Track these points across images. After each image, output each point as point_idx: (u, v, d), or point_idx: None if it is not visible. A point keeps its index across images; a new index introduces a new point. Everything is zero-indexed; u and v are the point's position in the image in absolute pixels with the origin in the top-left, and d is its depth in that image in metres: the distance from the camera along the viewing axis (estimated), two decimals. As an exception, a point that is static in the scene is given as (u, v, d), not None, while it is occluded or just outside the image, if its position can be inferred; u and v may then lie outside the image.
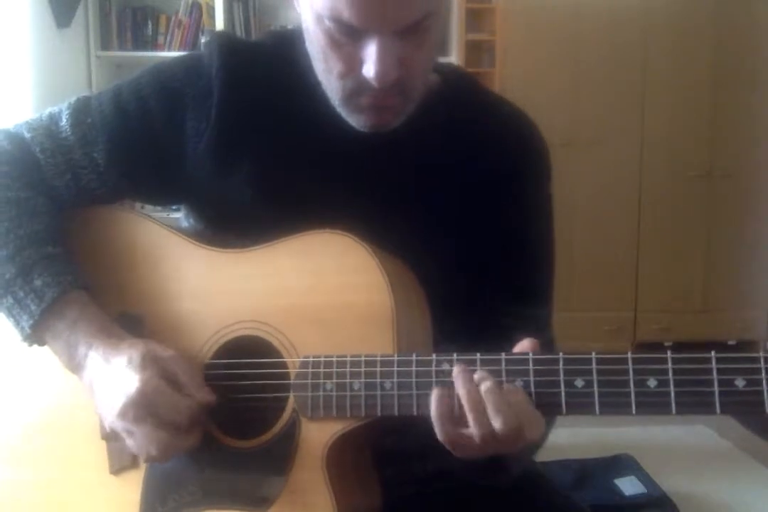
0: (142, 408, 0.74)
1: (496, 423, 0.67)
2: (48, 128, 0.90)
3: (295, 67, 0.86)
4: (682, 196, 3.83)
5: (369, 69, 0.75)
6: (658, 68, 3.76)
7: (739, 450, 2.58)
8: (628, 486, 2.16)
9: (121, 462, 0.83)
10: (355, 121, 0.83)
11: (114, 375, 0.76)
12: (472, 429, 0.68)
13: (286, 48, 0.89)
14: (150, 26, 3.53)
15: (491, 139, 0.90)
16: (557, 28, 3.67)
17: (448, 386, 0.70)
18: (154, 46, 3.53)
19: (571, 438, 2.49)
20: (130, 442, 0.76)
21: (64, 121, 0.90)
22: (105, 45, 3.49)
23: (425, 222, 0.86)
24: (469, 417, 0.68)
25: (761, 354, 0.63)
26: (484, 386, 0.68)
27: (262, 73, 0.89)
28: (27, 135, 0.90)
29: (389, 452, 0.81)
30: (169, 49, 3.52)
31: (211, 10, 3.44)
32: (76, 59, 3.38)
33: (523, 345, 0.71)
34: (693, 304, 3.85)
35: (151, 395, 0.74)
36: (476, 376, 0.69)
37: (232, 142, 0.87)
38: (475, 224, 0.88)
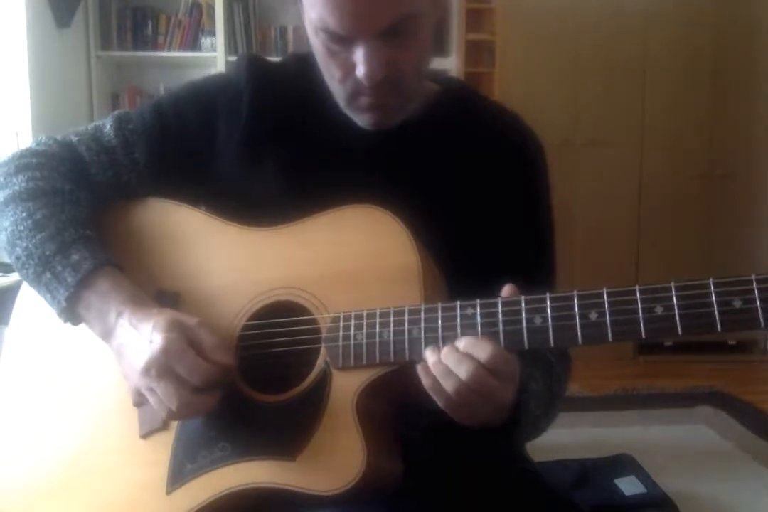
0: (164, 365, 0.78)
1: (461, 373, 0.73)
2: (93, 134, 1.01)
3: (312, 79, 0.96)
4: (682, 196, 3.83)
5: (359, 70, 0.85)
6: (658, 68, 3.76)
7: (739, 450, 2.58)
8: (628, 486, 2.16)
9: (151, 425, 0.86)
10: (359, 120, 0.93)
11: (141, 338, 0.81)
12: (446, 387, 0.74)
13: (304, 64, 0.98)
14: (150, 26, 3.53)
15: (491, 137, 0.99)
16: (557, 28, 3.67)
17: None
18: (154, 46, 3.53)
19: (571, 438, 2.49)
20: (152, 399, 0.80)
21: (108, 128, 1.00)
22: (105, 45, 3.50)
23: (436, 210, 0.91)
24: (440, 379, 0.75)
25: (753, 276, 0.68)
26: (443, 353, 0.75)
27: (284, 83, 1.00)
28: (74, 138, 1.01)
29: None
30: (169, 49, 3.52)
31: (211, 10, 3.44)
32: (76, 59, 3.39)
33: (506, 291, 0.77)
34: (693, 304, 3.85)
35: (173, 354, 0.78)
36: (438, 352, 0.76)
37: (260, 141, 0.97)
38: (480, 214, 0.95)
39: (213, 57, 3.43)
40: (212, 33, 3.47)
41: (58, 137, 1.02)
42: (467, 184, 0.96)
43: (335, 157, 0.96)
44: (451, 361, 0.74)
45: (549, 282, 0.99)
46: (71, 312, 0.87)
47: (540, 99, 3.56)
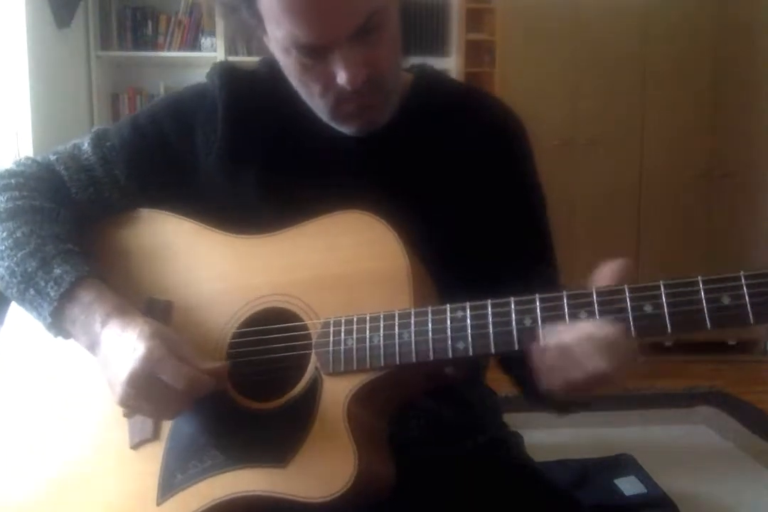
0: (148, 372, 0.78)
1: (602, 364, 0.70)
2: (71, 153, 1.00)
3: (284, 85, 0.94)
4: (682, 196, 3.83)
5: (341, 77, 0.84)
6: (658, 68, 3.76)
7: (739, 450, 2.58)
8: (628, 486, 2.16)
9: (142, 435, 0.86)
10: (347, 129, 0.92)
11: (125, 346, 0.81)
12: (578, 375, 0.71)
13: (276, 70, 0.96)
14: (150, 26, 3.54)
15: (470, 122, 0.98)
16: (557, 28, 3.67)
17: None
18: (154, 46, 3.53)
19: (571, 438, 2.49)
20: (138, 406, 0.80)
21: (86, 146, 1.00)
22: (105, 45, 3.50)
23: (421, 207, 0.91)
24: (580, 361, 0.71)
25: (741, 273, 0.67)
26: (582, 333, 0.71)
27: (258, 90, 0.99)
28: (52, 157, 1.00)
29: (389, 439, 0.82)
30: (169, 49, 3.52)
31: (211, 10, 3.44)
32: (76, 59, 3.39)
33: (605, 272, 0.75)
34: (693, 304, 3.84)
35: (156, 360, 0.78)
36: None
37: (238, 152, 0.96)
38: (470, 203, 0.94)
39: (213, 57, 3.43)
40: (212, 33, 3.48)
41: (38, 157, 1.02)
42: (453, 174, 0.94)
43: (316, 162, 0.95)
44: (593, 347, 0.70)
45: (550, 262, 0.98)
46: (57, 327, 0.86)
47: (540, 99, 3.56)
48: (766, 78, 3.80)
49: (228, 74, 1.00)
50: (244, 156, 0.95)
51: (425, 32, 3.49)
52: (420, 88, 0.99)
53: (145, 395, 0.78)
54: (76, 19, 3.30)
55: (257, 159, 0.95)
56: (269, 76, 0.98)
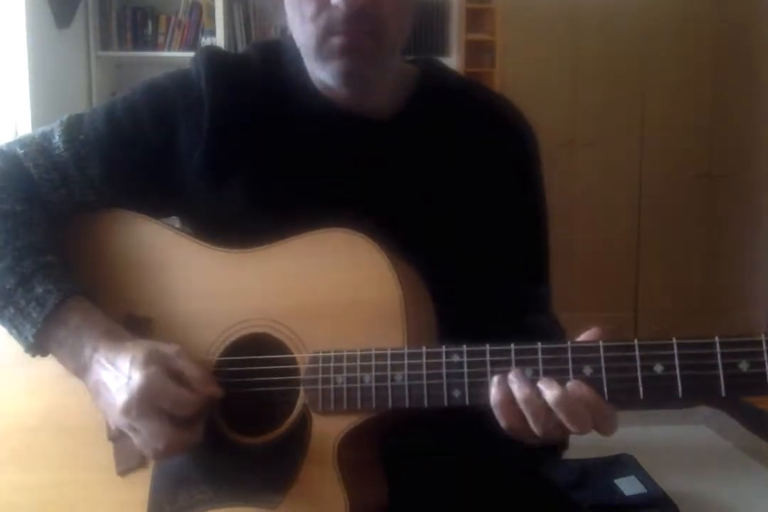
0: (146, 403, 0.74)
1: (571, 427, 0.69)
2: (41, 145, 0.91)
3: (280, 74, 0.89)
4: (682, 196, 3.83)
5: None
6: (658, 68, 3.76)
7: (739, 450, 2.58)
8: (628, 486, 2.16)
9: (128, 462, 0.83)
10: (329, 71, 0.84)
11: (118, 374, 0.77)
12: (535, 429, 0.69)
13: (270, 56, 0.91)
14: (150, 26, 3.53)
15: (476, 121, 0.93)
16: (557, 27, 3.67)
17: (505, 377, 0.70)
18: (154, 46, 3.53)
19: (571, 438, 2.49)
20: (135, 439, 0.76)
21: (56, 138, 0.90)
22: (105, 45, 3.49)
23: (421, 215, 0.88)
24: (531, 421, 0.69)
25: (763, 337, 0.63)
26: (551, 396, 0.68)
27: (249, 81, 0.90)
28: (20, 151, 0.91)
29: (391, 452, 0.81)
30: (169, 49, 3.52)
31: (211, 10, 3.44)
32: (76, 59, 3.38)
33: (591, 335, 0.71)
34: (693, 304, 3.85)
35: (155, 390, 0.74)
36: (540, 385, 0.68)
37: (225, 153, 0.88)
38: (470, 207, 0.90)
39: (213, 57, 3.42)
40: (212, 33, 3.47)
41: (4, 147, 0.93)
42: (459, 171, 0.90)
43: (311, 165, 0.88)
44: (563, 413, 0.68)
45: (541, 280, 0.95)
46: (40, 348, 0.82)
47: (540, 99, 3.55)
48: (766, 78, 3.80)
49: (215, 61, 0.90)
50: (231, 157, 0.88)
51: (425, 32, 3.49)
52: (427, 82, 0.94)
53: (144, 424, 0.74)
54: (76, 19, 3.30)
55: (246, 160, 0.88)
56: (262, 62, 0.92)
